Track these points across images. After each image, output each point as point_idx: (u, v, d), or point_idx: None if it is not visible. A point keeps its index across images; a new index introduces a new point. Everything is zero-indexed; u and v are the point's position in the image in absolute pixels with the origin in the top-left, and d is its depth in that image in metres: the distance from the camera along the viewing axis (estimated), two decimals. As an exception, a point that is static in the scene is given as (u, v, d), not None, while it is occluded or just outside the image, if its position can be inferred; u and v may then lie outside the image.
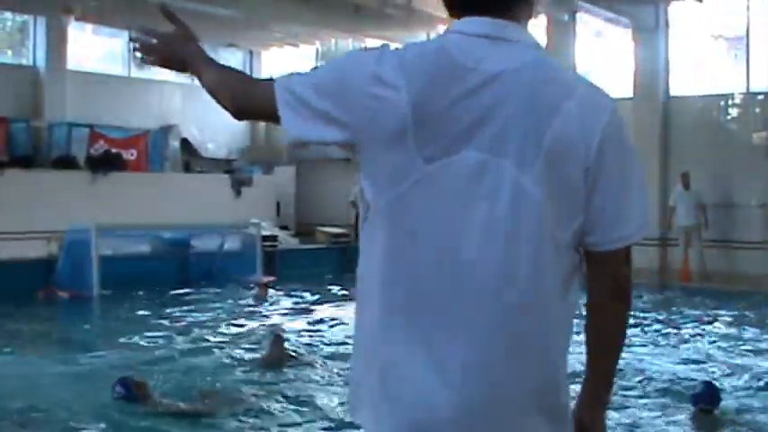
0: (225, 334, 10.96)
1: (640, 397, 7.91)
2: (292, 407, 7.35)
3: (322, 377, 8.40)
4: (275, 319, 12.34)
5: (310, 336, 10.91)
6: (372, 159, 2.05)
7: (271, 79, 2.15)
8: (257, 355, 9.16)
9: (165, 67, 2.40)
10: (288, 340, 9.73)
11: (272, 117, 2.11)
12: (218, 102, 2.26)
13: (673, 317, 12.92)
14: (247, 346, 10.02)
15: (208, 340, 10.55)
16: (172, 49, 2.37)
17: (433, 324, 2.00)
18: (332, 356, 9.33)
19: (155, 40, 2.38)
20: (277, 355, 8.68)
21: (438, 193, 1.99)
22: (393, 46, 2.09)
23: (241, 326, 11.54)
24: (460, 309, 1.99)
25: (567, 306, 2.08)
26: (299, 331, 11.13)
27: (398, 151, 1.99)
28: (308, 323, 12.02)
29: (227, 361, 9.21)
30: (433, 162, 1.98)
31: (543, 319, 2.03)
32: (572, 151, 1.98)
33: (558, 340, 2.08)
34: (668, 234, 18.58)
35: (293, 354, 9.07)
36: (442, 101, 1.98)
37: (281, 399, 7.57)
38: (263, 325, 11.71)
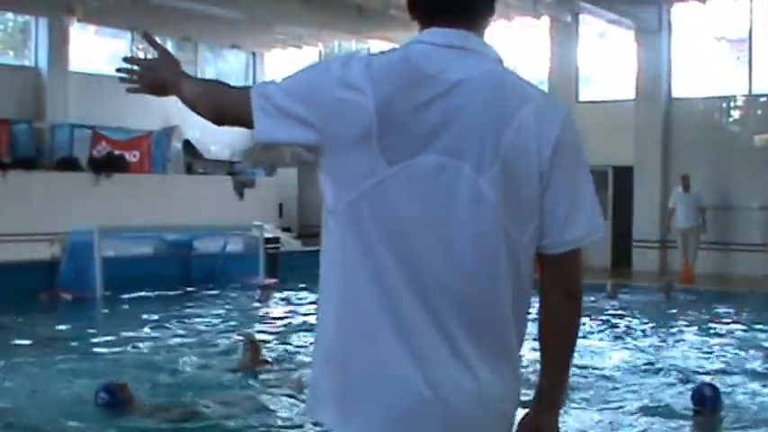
0: (223, 337, 10.92)
1: (639, 399, 7.88)
2: (265, 412, 7.28)
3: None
4: (276, 322, 12.31)
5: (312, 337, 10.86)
6: (337, 161, 2.14)
7: (247, 87, 2.27)
8: (235, 357, 9.11)
9: (152, 93, 2.54)
10: (266, 343, 9.73)
11: (249, 122, 2.22)
12: (198, 113, 2.39)
13: (673, 318, 12.88)
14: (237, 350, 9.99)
15: (205, 343, 10.48)
16: (155, 75, 2.50)
17: (396, 320, 2.08)
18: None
19: (138, 68, 2.52)
20: (251, 362, 8.65)
21: (399, 194, 2.08)
22: (361, 53, 2.25)
23: (241, 329, 11.52)
24: (421, 305, 2.07)
25: (520, 304, 2.18)
26: (299, 333, 11.09)
27: (363, 153, 2.09)
28: (311, 325, 11.99)
29: (216, 363, 9.18)
30: (396, 164, 2.08)
31: (499, 317, 2.13)
32: (527, 157, 2.08)
33: (512, 337, 2.18)
34: (668, 236, 18.63)
35: (268, 360, 9.06)
36: (405, 106, 2.08)
37: (257, 404, 7.49)
38: (260, 328, 11.69)
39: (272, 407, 7.36)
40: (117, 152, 20.94)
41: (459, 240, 2.08)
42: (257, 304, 13.99)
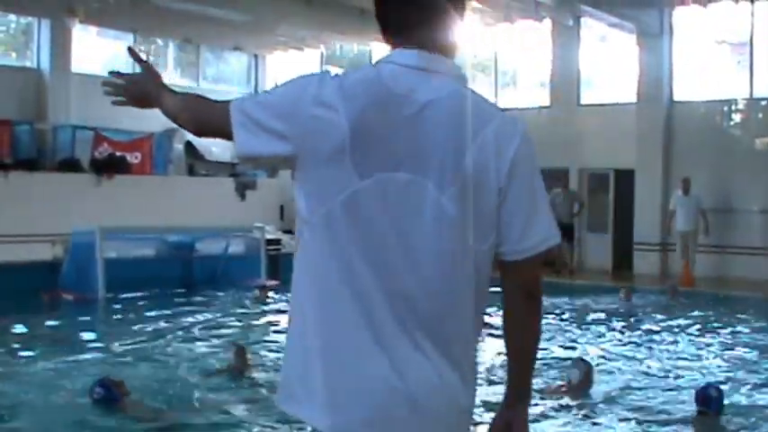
0: (218, 339, 10.93)
1: (642, 399, 7.99)
2: (252, 416, 7.29)
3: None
4: (270, 323, 12.30)
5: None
6: (311, 174, 2.26)
7: (227, 102, 2.37)
8: (226, 361, 9.12)
9: (136, 105, 2.66)
10: (258, 343, 9.75)
11: (228, 135, 2.33)
12: (179, 124, 2.52)
13: (674, 320, 12.94)
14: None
15: (201, 345, 10.52)
16: (140, 88, 2.65)
17: (368, 321, 2.22)
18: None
19: (123, 82, 2.66)
20: (239, 366, 8.67)
21: (370, 207, 2.22)
22: (334, 72, 2.32)
23: (234, 332, 11.54)
24: (390, 309, 2.21)
25: (480, 307, 2.36)
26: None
27: (336, 167, 2.22)
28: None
29: (209, 365, 9.19)
30: (367, 178, 2.21)
31: (460, 324, 2.29)
32: (487, 174, 2.24)
33: (472, 341, 2.37)
34: (668, 239, 18.68)
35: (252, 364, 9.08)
36: (376, 124, 2.22)
37: (243, 407, 7.52)
38: (255, 330, 11.71)
39: (258, 411, 7.35)
40: (119, 153, 20.97)
41: (425, 255, 2.22)
42: (256, 305, 13.98)
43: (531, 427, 2.47)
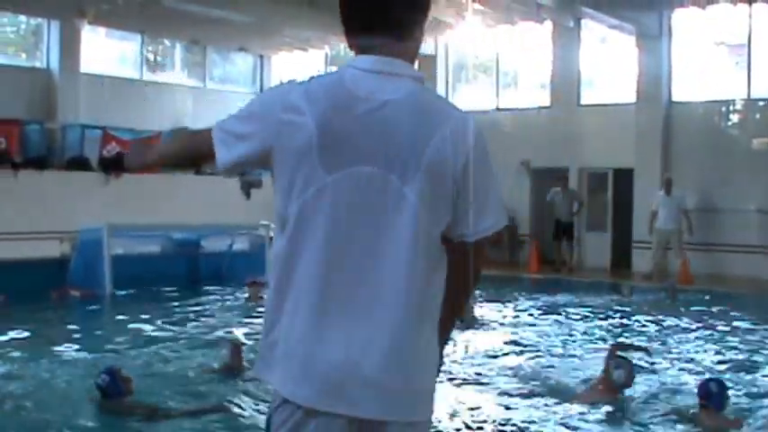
0: (217, 334, 10.95)
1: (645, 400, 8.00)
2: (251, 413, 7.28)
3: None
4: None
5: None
6: (284, 172, 2.51)
7: (209, 128, 2.64)
8: (221, 358, 9.08)
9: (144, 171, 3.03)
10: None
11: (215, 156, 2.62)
12: (178, 167, 2.97)
13: (681, 317, 13.12)
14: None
15: (202, 342, 10.59)
16: (139, 156, 3.07)
17: (325, 300, 2.48)
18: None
19: (121, 153, 3.02)
20: (235, 363, 8.65)
21: (338, 200, 2.46)
22: (300, 79, 2.58)
23: (229, 329, 11.46)
24: (348, 289, 2.48)
25: (434, 287, 2.58)
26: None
27: (305, 165, 2.46)
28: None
29: (207, 363, 9.20)
30: (334, 173, 2.46)
31: (416, 304, 2.51)
32: (445, 167, 2.48)
33: (426, 320, 2.57)
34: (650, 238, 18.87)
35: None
36: (340, 124, 2.47)
37: (241, 405, 7.49)
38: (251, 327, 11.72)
39: (252, 408, 7.35)
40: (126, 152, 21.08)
41: (387, 241, 2.47)
42: (250, 302, 13.81)
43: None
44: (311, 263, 2.48)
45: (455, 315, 2.76)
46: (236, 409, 7.35)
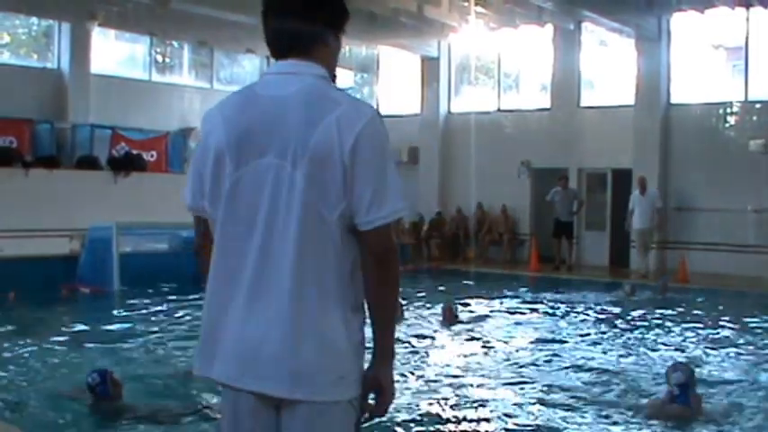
0: None
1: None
2: None
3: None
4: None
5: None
6: (207, 182, 2.79)
7: None
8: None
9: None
10: None
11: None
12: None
13: (674, 317, 13.20)
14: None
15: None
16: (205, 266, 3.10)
17: (234, 284, 2.70)
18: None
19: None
20: None
21: (244, 189, 2.71)
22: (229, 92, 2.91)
23: None
24: (254, 271, 2.67)
25: (336, 270, 2.69)
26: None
27: (220, 167, 2.74)
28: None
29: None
30: (242, 168, 2.72)
31: (316, 284, 2.65)
32: (331, 151, 2.63)
33: (330, 301, 2.68)
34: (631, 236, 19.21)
35: None
36: (243, 123, 2.73)
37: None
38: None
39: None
40: (135, 152, 21.21)
41: (284, 222, 2.64)
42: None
43: None
44: (224, 253, 2.73)
45: (382, 306, 2.78)
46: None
